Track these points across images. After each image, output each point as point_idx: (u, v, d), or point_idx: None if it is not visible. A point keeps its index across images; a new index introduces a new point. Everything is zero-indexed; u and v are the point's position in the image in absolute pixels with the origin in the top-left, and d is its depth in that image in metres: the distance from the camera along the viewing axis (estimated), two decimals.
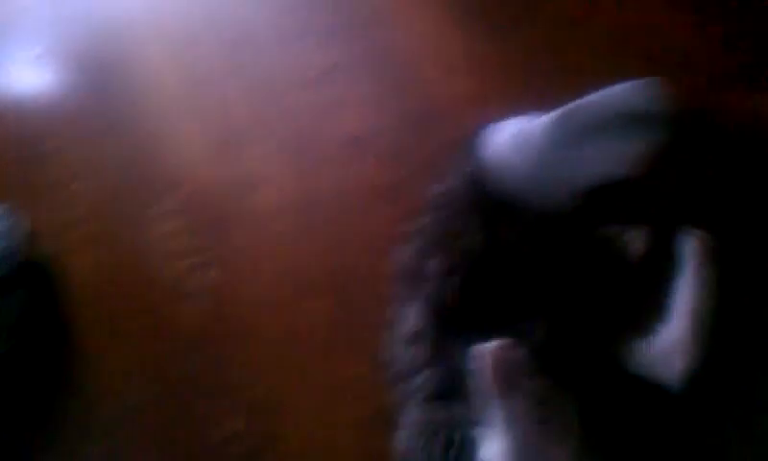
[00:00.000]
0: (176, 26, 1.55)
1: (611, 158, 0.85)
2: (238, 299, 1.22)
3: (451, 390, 0.81)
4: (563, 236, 0.88)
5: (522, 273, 0.87)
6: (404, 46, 1.26)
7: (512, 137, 0.90)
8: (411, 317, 0.89)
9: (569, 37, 1.13)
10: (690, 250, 0.86)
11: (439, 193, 0.96)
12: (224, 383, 1.16)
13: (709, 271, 0.84)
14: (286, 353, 1.14)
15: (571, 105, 0.85)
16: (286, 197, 1.26)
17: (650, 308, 0.85)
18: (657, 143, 0.84)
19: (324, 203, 1.23)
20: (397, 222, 1.09)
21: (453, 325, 0.86)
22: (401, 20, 1.27)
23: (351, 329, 1.11)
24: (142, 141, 1.44)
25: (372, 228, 1.16)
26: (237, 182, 1.31)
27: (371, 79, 1.26)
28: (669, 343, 0.81)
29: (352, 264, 1.16)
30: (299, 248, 1.22)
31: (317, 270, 1.18)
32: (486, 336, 0.76)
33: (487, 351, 0.74)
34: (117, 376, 1.23)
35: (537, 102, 0.95)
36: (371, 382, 1.03)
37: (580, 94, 0.87)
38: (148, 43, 1.57)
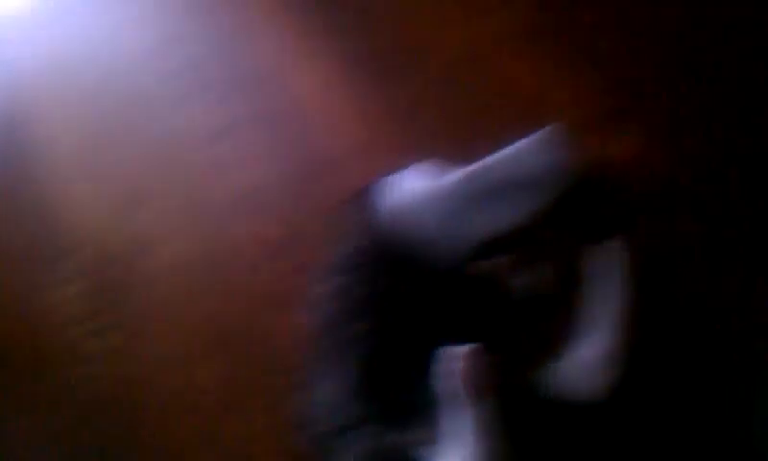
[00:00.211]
0: (69, 87, 1.54)
1: (508, 215, 0.89)
2: (137, 361, 1.21)
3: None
4: (462, 285, 0.90)
5: (438, 321, 0.87)
6: (297, 100, 1.29)
7: (414, 194, 0.92)
8: (339, 378, 0.88)
9: (457, 88, 1.18)
10: (604, 262, 0.83)
11: (344, 251, 0.95)
12: (131, 447, 1.16)
13: (625, 280, 0.81)
14: (189, 413, 1.15)
15: (477, 166, 0.87)
16: (180, 256, 1.24)
17: (564, 331, 0.83)
18: (552, 199, 0.86)
19: (217, 261, 1.21)
20: (291, 277, 1.12)
21: (386, 380, 0.85)
22: (293, 75, 1.30)
23: (251, 387, 1.13)
24: (36, 204, 1.42)
25: (265, 284, 1.16)
26: (132, 244, 1.30)
27: (263, 135, 1.26)
28: (591, 357, 0.79)
29: (246, 322, 1.15)
30: (193, 307, 1.20)
31: (212, 329, 1.17)
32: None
33: (459, 354, 0.74)
34: (20, 447, 1.21)
35: (425, 152, 0.99)
36: (275, 438, 1.04)
37: (468, 144, 0.92)
38: (41, 104, 1.56)
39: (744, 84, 0.97)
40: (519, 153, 0.87)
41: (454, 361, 0.74)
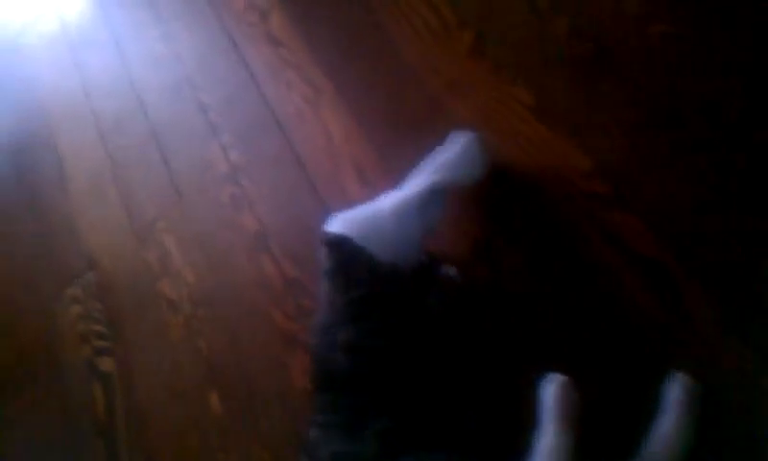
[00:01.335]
0: (91, 112, 1.61)
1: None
2: (138, 386, 1.27)
3: None
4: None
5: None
6: (301, 146, 1.35)
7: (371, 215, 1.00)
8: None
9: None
10: (673, 394, 0.85)
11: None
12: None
13: (688, 418, 0.82)
14: (186, 444, 1.20)
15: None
16: (185, 290, 1.30)
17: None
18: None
19: (221, 298, 1.26)
20: (292, 318, 1.19)
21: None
22: (312, 121, 1.36)
23: (250, 421, 1.18)
24: (50, 228, 1.50)
25: (267, 324, 1.20)
26: (141, 273, 1.37)
27: (279, 175, 1.33)
28: None
29: (247, 359, 1.19)
30: (196, 341, 1.25)
31: (214, 363, 1.22)
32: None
33: (562, 381, 0.78)
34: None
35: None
36: None
37: None
38: (60, 127, 1.64)
39: None
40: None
41: (558, 387, 0.78)
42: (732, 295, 0.90)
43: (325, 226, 0.98)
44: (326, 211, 1.20)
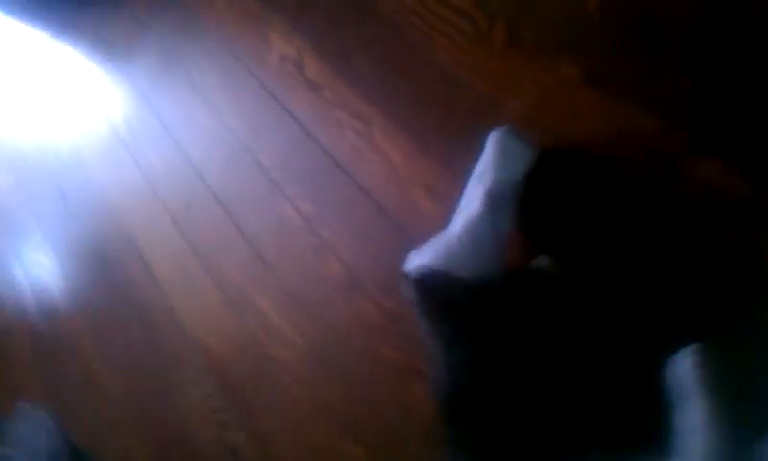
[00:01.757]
0: (161, 200, 1.69)
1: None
2: (273, 453, 1.32)
3: None
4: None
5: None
6: (366, 180, 1.37)
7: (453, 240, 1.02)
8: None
9: None
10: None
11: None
12: None
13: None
14: None
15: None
16: (294, 349, 1.34)
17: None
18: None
19: (329, 348, 1.29)
20: (401, 348, 1.21)
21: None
22: (359, 157, 1.39)
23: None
24: (152, 321, 1.57)
25: (379, 361, 1.22)
26: (247, 342, 1.42)
27: (344, 221, 1.38)
28: None
29: (371, 400, 1.21)
30: (318, 395, 1.28)
31: (342, 412, 1.24)
32: None
33: (690, 354, 0.76)
34: None
35: None
36: None
37: None
38: (137, 229, 1.72)
39: None
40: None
41: (685, 361, 0.76)
42: None
43: (407, 265, 1.01)
44: (406, 236, 1.23)
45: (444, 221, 1.19)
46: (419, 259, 0.99)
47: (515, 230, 1.04)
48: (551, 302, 0.98)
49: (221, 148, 1.59)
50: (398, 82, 1.34)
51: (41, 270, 1.88)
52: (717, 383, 0.75)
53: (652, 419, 0.76)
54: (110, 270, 1.74)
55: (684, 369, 0.77)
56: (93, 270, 1.78)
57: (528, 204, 1.09)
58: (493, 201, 1.00)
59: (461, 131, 1.25)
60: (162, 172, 1.71)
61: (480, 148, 1.10)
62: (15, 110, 2.25)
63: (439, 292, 0.96)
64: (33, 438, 1.23)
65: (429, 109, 1.29)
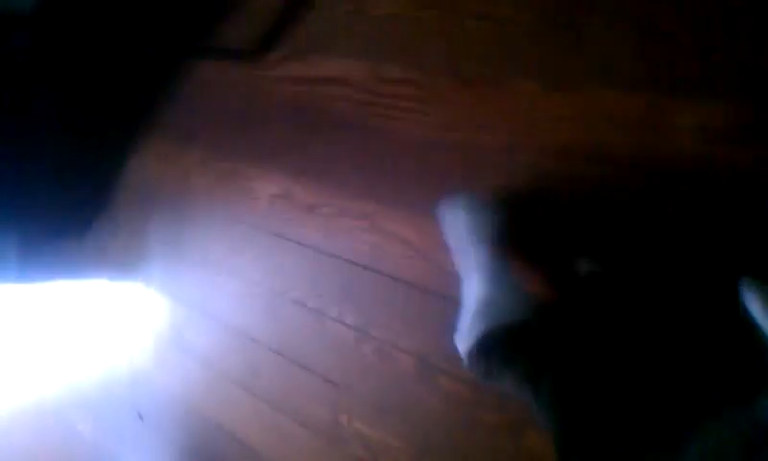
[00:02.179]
0: (231, 374, 1.74)
1: None
2: None
3: None
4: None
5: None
6: (392, 268, 1.40)
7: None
8: None
9: None
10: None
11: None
12: None
13: None
14: None
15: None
16: (403, 457, 1.36)
17: None
18: None
19: (434, 439, 1.31)
20: (499, 406, 1.21)
21: None
22: (378, 250, 1.40)
23: None
24: None
25: (487, 430, 1.23)
26: None
27: (391, 314, 1.38)
28: None
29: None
30: None
31: None
32: None
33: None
34: None
35: None
36: None
37: None
38: (221, 405, 1.77)
39: None
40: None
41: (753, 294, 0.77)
42: None
43: (461, 349, 1.03)
44: (450, 300, 1.25)
45: None
46: (467, 337, 1.01)
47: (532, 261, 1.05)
48: (613, 299, 1.00)
49: (255, 303, 1.65)
50: (380, 169, 1.39)
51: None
52: None
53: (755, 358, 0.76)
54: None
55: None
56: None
57: (536, 222, 1.11)
58: (491, 262, 1.04)
59: (454, 183, 1.28)
60: (216, 351, 1.76)
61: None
62: (70, 358, 2.34)
63: (504, 347, 0.97)
64: None
65: (414, 178, 1.33)
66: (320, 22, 1.51)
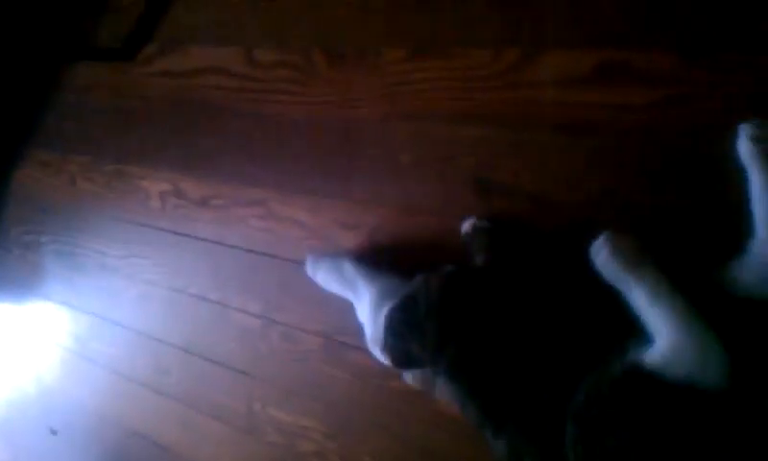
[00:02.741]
0: (139, 377, 1.71)
1: None
2: None
3: None
4: None
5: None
6: (296, 249, 1.41)
7: None
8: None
9: None
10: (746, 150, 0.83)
11: None
12: None
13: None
14: None
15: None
16: (315, 434, 1.38)
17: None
18: None
19: (346, 411, 1.33)
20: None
21: None
22: (280, 234, 1.41)
23: None
24: None
25: (398, 396, 1.25)
26: (276, 455, 1.45)
27: (295, 295, 1.37)
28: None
29: (409, 434, 1.26)
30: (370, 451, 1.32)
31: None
32: None
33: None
34: None
35: None
36: None
37: None
38: (134, 410, 1.74)
39: None
40: None
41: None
42: None
43: (375, 344, 1.05)
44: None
45: (368, 244, 1.24)
46: (375, 326, 1.04)
47: None
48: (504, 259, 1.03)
49: (157, 303, 1.62)
50: (266, 154, 1.38)
51: None
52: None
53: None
54: None
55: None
56: None
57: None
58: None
59: (338, 160, 1.29)
60: (123, 356, 1.73)
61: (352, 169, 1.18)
62: None
63: (411, 316, 0.98)
64: None
65: (302, 160, 1.34)
66: (190, 13, 1.48)
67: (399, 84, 1.20)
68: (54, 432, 1.93)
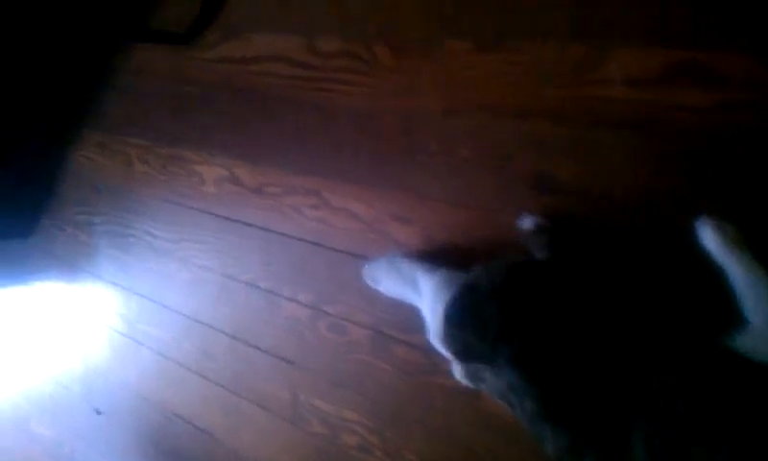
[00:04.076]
0: (185, 361, 1.73)
1: None
2: None
3: None
4: None
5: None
6: (349, 240, 1.39)
7: None
8: None
9: None
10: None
11: None
12: None
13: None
14: None
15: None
16: (359, 429, 1.37)
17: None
18: None
19: (391, 408, 1.32)
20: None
21: None
22: (334, 225, 1.41)
23: None
24: None
25: (445, 392, 1.24)
26: (321, 448, 1.45)
27: (346, 287, 1.37)
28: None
29: (452, 425, 1.24)
30: (410, 448, 1.31)
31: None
32: None
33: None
34: None
35: None
36: None
37: None
38: (178, 393, 1.75)
39: None
40: None
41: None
42: None
43: (436, 334, 1.01)
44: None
45: (424, 237, 1.23)
46: (436, 315, 1.01)
47: None
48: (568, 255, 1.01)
49: (207, 288, 1.63)
50: (323, 143, 1.38)
51: None
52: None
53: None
54: (175, 452, 1.77)
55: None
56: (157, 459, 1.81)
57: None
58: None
59: (397, 153, 1.28)
60: (170, 338, 1.74)
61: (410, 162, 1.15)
62: (22, 363, 2.29)
63: (473, 306, 0.96)
64: None
65: (359, 151, 1.33)
66: (252, 0, 1.49)
67: (462, 78, 1.19)
68: (99, 412, 1.95)
